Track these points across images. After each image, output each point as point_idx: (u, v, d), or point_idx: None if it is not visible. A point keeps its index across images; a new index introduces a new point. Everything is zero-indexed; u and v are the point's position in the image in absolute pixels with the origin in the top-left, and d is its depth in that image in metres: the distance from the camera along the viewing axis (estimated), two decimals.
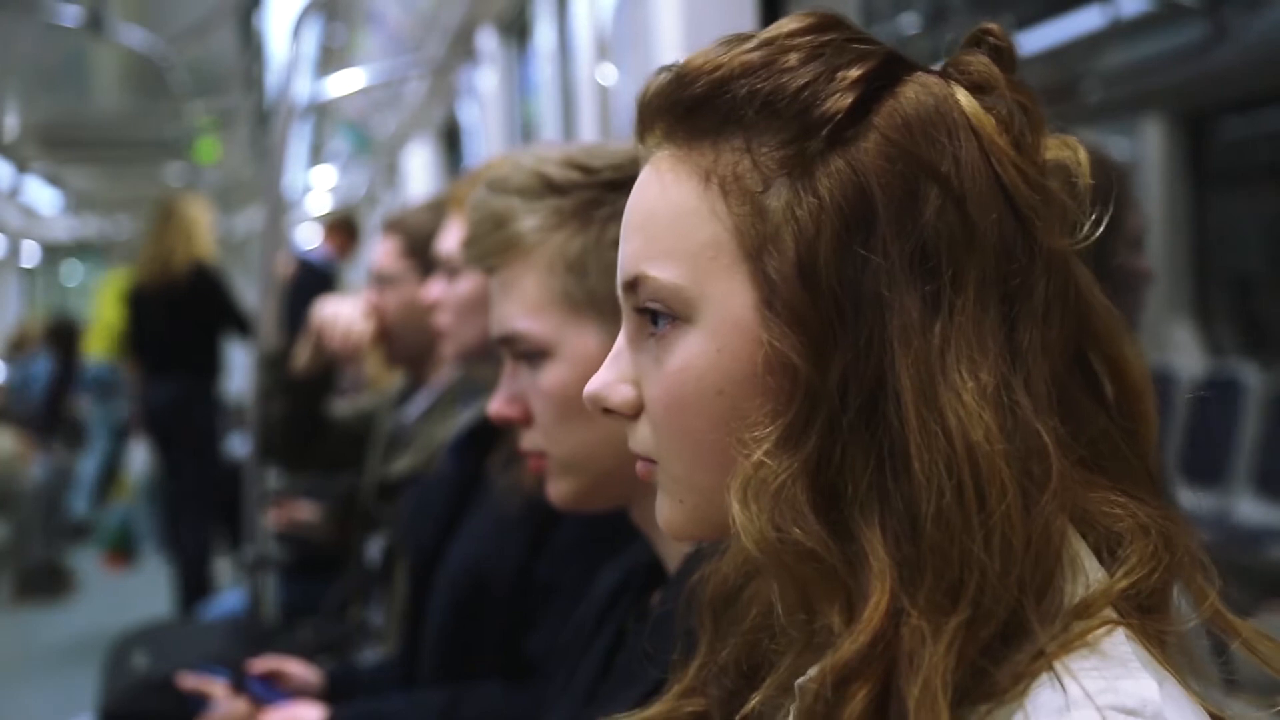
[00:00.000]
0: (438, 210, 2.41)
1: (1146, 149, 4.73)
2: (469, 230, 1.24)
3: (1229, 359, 4.66)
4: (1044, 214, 0.69)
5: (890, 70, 0.70)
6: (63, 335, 9.37)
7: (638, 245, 0.74)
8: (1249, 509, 4.07)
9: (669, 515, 0.77)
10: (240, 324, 5.39)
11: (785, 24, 0.73)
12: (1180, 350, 4.64)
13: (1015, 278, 0.67)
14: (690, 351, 0.72)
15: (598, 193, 1.18)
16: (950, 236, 0.66)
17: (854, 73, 0.69)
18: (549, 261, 1.17)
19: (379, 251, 2.61)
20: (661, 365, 0.74)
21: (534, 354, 1.17)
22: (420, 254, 2.41)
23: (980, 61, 0.71)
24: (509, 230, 1.19)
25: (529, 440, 1.20)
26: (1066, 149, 0.72)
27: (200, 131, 8.58)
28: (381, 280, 2.54)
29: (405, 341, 2.53)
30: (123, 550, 7.26)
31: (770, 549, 0.67)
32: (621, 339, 0.78)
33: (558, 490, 1.18)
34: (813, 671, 0.68)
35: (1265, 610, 0.75)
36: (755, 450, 0.68)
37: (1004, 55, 0.72)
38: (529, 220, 1.18)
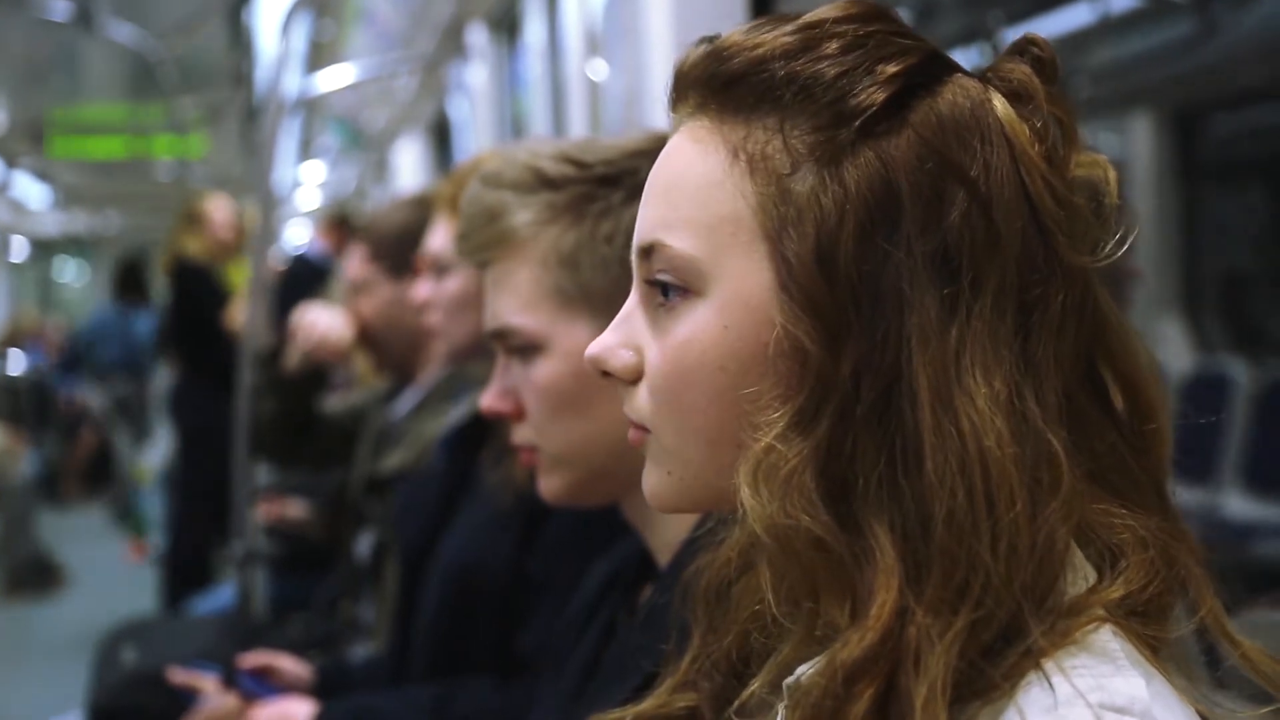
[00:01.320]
0: (404, 208, 2.43)
1: (1135, 145, 4.75)
2: (462, 224, 1.23)
3: (1218, 355, 4.68)
4: (1067, 229, 0.69)
5: (930, 69, 0.71)
6: (134, 279, 9.11)
7: (657, 212, 0.75)
8: (1237, 505, 4.08)
9: (655, 485, 0.77)
10: (200, 326, 5.16)
11: (829, 10, 0.73)
12: (1169, 346, 4.66)
13: (1034, 288, 0.68)
14: (697, 325, 0.72)
15: (591, 187, 1.17)
16: (973, 241, 0.66)
17: (892, 68, 0.69)
18: (542, 256, 1.17)
19: (349, 262, 2.60)
20: (667, 335, 0.74)
21: (526, 348, 1.17)
22: (388, 255, 2.40)
23: (1021, 70, 0.71)
24: (502, 224, 1.19)
25: (521, 434, 1.19)
26: (1097, 167, 0.72)
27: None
28: (356, 289, 2.54)
29: (390, 344, 2.51)
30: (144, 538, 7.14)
31: (780, 535, 0.67)
32: (630, 303, 0.78)
33: (549, 485, 1.18)
34: (805, 669, 0.68)
35: (1253, 606, 0.76)
36: (765, 434, 0.68)
37: (1046, 67, 0.72)
38: (522, 214, 1.18)
